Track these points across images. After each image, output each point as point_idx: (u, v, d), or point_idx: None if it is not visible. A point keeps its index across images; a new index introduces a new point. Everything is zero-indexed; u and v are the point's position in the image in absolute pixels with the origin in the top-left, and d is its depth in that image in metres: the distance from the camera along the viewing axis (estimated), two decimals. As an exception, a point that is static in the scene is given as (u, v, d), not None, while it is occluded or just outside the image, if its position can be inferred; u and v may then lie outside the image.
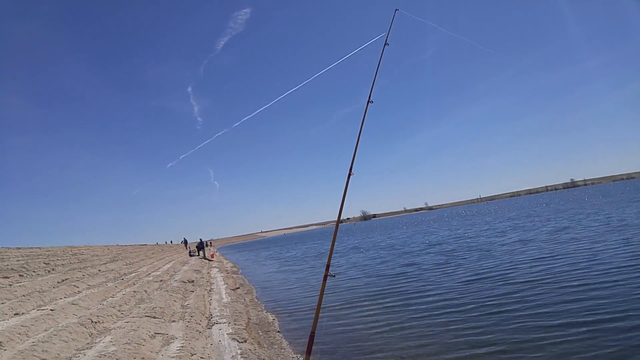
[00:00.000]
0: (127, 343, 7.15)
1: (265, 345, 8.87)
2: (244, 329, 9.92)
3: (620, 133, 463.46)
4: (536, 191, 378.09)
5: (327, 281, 5.19)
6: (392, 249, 27.74)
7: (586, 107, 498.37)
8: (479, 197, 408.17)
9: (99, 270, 16.72)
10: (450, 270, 15.12)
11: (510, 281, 11.73)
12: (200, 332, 9.19)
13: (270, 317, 11.93)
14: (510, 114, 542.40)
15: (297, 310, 12.55)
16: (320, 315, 4.80)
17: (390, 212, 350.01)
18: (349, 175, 5.53)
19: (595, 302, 8.52)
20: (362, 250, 30.80)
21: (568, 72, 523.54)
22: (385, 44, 6.76)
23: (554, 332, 7.17)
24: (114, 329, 8.44)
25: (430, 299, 11.10)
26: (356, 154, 5.73)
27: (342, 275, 17.16)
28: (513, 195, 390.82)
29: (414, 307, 10.42)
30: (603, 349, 6.20)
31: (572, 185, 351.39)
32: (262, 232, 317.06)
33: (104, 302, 10.87)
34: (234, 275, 24.27)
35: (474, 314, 9.00)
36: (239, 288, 17.77)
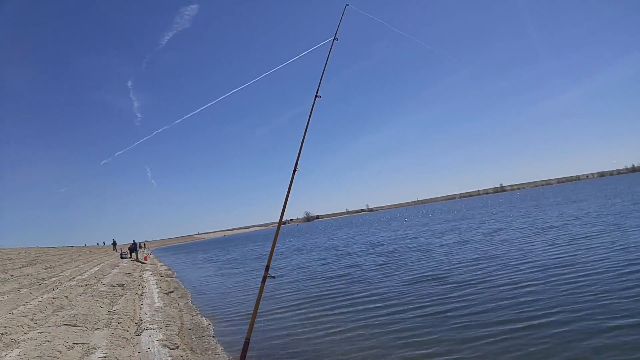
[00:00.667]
0: (38, 357, 6.31)
1: (198, 352, 8.33)
2: (176, 334, 9.27)
3: (546, 142, 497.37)
4: (469, 195, 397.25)
5: (266, 284, 4.79)
6: (334, 250, 27.66)
7: (513, 118, 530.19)
8: (416, 199, 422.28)
9: (12, 276, 15.16)
10: (392, 271, 15.12)
11: (450, 281, 11.82)
12: (127, 340, 8.44)
13: (205, 322, 11.28)
14: (449, 120, 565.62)
15: (234, 315, 11.98)
16: (257, 320, 4.36)
17: (333, 214, 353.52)
18: (294, 170, 5.18)
19: (529, 300, 8.72)
20: (304, 251, 30.52)
21: (504, 82, 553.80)
22: (334, 38, 6.51)
23: (491, 331, 7.20)
24: (24, 340, 7.50)
25: (372, 300, 10.94)
26: (302, 150, 5.39)
27: (284, 277, 16.72)
28: (448, 198, 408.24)
29: (355, 310, 10.18)
30: (538, 346, 6.26)
31: (501, 189, 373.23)
32: (199, 233, 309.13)
33: (15, 311, 9.74)
34: (168, 279, 23.10)
35: (415, 316, 8.89)
36: (172, 292, 16.82)
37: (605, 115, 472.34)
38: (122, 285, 16.70)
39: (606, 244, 14.11)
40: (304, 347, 7.93)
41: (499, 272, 12.04)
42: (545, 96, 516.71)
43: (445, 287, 11.19)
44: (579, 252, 13.31)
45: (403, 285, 12.31)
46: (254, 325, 4.39)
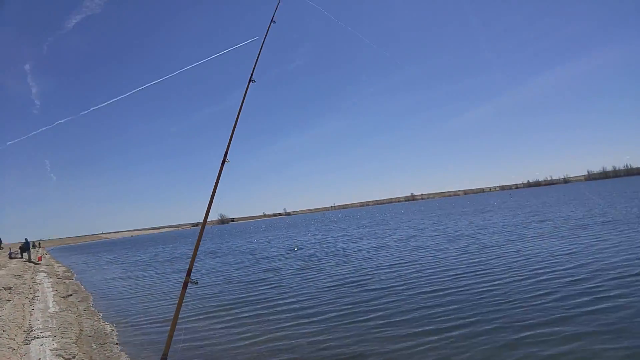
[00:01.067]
0: None
1: (99, 360, 7.48)
2: (73, 342, 8.28)
3: (455, 156, 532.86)
4: (382, 202, 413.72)
5: (186, 289, 4.29)
6: (251, 254, 26.98)
7: (426, 131, 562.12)
8: (333, 205, 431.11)
9: None
10: (311, 276, 14.93)
11: (370, 287, 11.80)
12: (14, 350, 7.38)
13: (109, 328, 10.26)
14: (365, 129, 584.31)
15: (141, 320, 11.04)
16: (176, 337, 3.81)
17: (249, 217, 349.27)
18: (223, 161, 4.70)
19: (447, 308, 8.83)
20: (219, 254, 29.47)
21: (417, 96, 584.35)
22: (272, 20, 6.09)
23: (410, 336, 7.19)
24: None
25: (293, 308, 10.56)
26: (232, 140, 4.93)
27: (198, 281, 15.77)
28: (363, 205, 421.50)
29: (275, 317, 9.75)
30: (459, 355, 6.28)
31: (412, 198, 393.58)
32: (103, 233, 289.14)
33: None
34: (67, 281, 21.01)
35: (335, 323, 8.64)
36: (71, 295, 15.25)
37: (509, 133, 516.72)
38: (10, 288, 14.80)
39: (512, 252, 15.08)
40: (221, 357, 7.39)
41: (417, 278, 12.27)
42: (457, 112, 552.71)
43: (365, 293, 11.13)
44: (490, 260, 14.01)
45: (323, 290, 12.10)
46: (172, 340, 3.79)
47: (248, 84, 5.14)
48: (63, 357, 7.11)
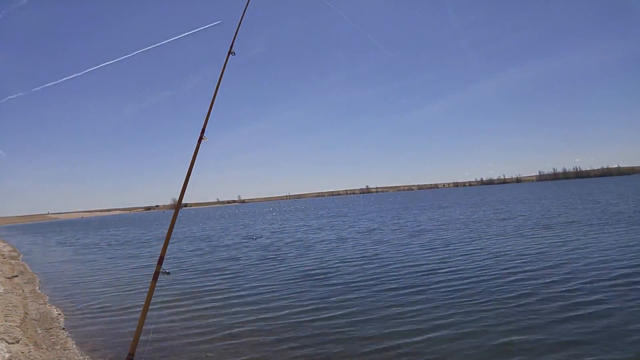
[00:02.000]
0: None
1: (44, 346, 7.03)
2: (17, 326, 7.73)
3: (410, 151, 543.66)
4: (337, 193, 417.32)
5: (151, 280, 3.91)
6: (207, 241, 26.27)
7: (383, 124, 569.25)
8: (288, 194, 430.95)
9: None
10: (273, 267, 14.55)
11: (333, 282, 11.54)
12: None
13: (55, 312, 9.65)
14: (322, 120, 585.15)
15: (89, 306, 10.37)
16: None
17: (203, 203, 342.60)
18: (200, 138, 4.35)
19: (417, 307, 8.68)
20: (174, 240, 28.56)
21: (375, 89, 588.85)
22: None
23: (381, 341, 6.88)
24: None
25: (253, 299, 10.19)
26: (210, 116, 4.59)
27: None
28: (318, 195, 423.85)
29: (235, 310, 9.28)
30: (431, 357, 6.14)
31: (367, 191, 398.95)
32: (51, 213, 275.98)
33: None
34: (12, 261, 19.75)
35: (300, 319, 8.29)
36: (16, 276, 14.32)
37: (461, 131, 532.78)
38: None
39: (477, 250, 15.23)
40: (181, 353, 6.87)
41: (382, 274, 12.06)
42: (412, 107, 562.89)
43: (329, 288, 10.81)
44: (456, 257, 14.07)
45: (286, 283, 11.73)
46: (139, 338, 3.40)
47: (227, 57, 4.81)
48: (6, 342, 6.60)
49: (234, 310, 9.31)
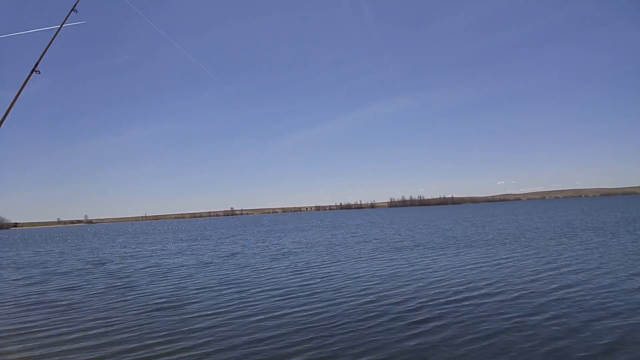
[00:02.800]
0: None
1: None
2: None
3: (274, 174, 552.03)
4: (200, 215, 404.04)
5: None
6: (40, 267, 22.68)
7: (253, 146, 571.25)
8: (144, 215, 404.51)
9: None
10: (120, 295, 12.99)
11: (189, 309, 10.66)
12: None
13: None
14: (187, 137, 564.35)
15: None
16: None
17: (40, 223, 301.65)
18: (33, 70, 3.54)
19: (276, 333, 8.37)
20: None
21: (244, 111, 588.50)
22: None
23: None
24: None
25: (93, 334, 8.80)
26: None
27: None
28: (178, 216, 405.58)
29: (64, 349, 7.88)
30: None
31: (232, 213, 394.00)
32: None
33: None
34: None
35: (142, 357, 7.34)
36: None
37: (323, 158, 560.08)
38: None
39: (336, 272, 15.52)
40: None
41: (242, 299, 11.55)
42: (280, 132, 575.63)
43: (185, 317, 9.92)
44: (315, 279, 14.13)
45: (134, 314, 10.41)
46: None
47: (69, 13, 4.02)
48: None
49: (60, 350, 7.83)
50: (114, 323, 9.62)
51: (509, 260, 16.19)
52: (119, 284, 15.38)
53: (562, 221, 38.96)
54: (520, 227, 34.62)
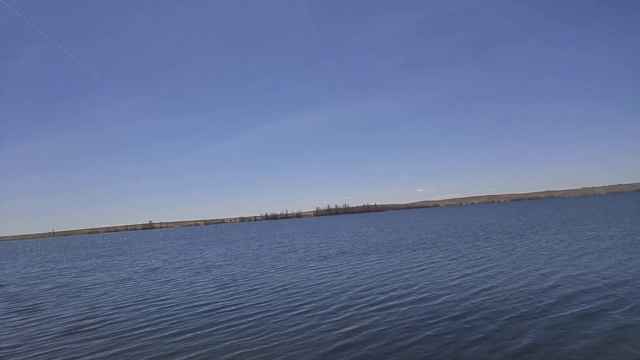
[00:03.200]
0: None
1: None
2: None
3: (199, 187, 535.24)
4: (115, 229, 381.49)
5: None
6: None
7: (171, 157, 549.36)
8: (52, 230, 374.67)
9: None
10: (24, 319, 11.65)
11: (102, 333, 9.75)
12: None
13: None
14: (100, 148, 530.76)
15: None
16: None
17: None
18: None
19: (202, 352, 7.95)
20: None
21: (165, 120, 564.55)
22: None
23: None
24: None
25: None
26: None
27: None
28: (91, 232, 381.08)
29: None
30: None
31: (151, 226, 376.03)
32: None
33: None
34: None
35: None
36: None
37: (248, 168, 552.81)
38: None
39: (263, 284, 15.09)
40: None
41: (164, 317, 10.83)
42: (202, 143, 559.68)
43: (97, 341, 9.06)
44: (241, 293, 13.63)
45: (38, 342, 9.33)
46: None
47: None
48: None
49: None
50: (12, 353, 8.54)
51: (430, 264, 16.80)
52: (20, 307, 13.79)
53: (477, 226, 41.43)
54: (439, 232, 36.31)
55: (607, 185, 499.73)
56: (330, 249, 27.31)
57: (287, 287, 14.06)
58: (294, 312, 10.39)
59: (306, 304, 11.25)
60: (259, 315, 10.30)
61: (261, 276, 17.05)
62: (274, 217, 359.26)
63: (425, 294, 11.35)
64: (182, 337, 8.88)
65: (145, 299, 13.61)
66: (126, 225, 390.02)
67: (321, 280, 14.79)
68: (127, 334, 9.41)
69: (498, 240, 24.78)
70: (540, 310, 8.89)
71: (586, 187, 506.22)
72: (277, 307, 11.07)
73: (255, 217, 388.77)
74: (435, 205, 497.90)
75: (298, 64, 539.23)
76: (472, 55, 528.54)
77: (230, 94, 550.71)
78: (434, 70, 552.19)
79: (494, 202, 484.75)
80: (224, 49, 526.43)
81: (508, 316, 8.65)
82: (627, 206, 60.89)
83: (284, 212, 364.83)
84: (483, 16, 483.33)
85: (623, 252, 16.06)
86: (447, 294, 11.12)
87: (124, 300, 13.65)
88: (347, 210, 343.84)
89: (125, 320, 10.75)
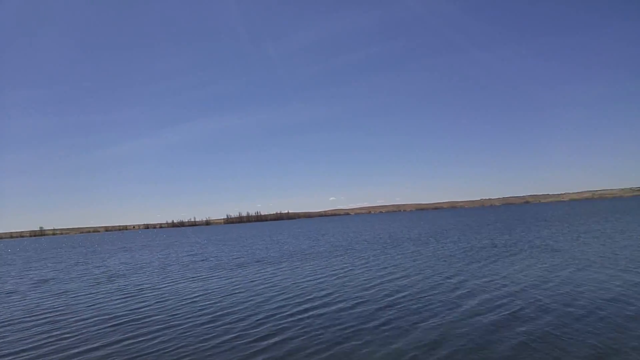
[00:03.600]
0: None
1: None
2: None
3: (95, 190, 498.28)
4: (0, 237, 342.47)
5: None
6: None
7: (64, 158, 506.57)
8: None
9: None
10: None
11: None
12: None
13: None
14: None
15: None
16: None
17: None
18: None
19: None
20: None
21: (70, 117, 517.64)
22: None
23: None
24: None
25: None
26: None
27: None
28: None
29: None
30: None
31: (42, 233, 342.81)
32: None
33: None
34: None
35: None
36: None
37: (153, 175, 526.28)
38: None
39: (170, 294, 14.40)
40: None
41: (58, 333, 9.90)
42: (100, 145, 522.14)
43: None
44: (148, 304, 12.84)
45: None
46: None
47: None
48: None
49: None
50: None
51: (343, 270, 17.19)
52: None
53: (385, 233, 43.23)
54: (350, 239, 37.33)
55: (501, 197, 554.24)
56: (242, 257, 26.75)
57: (198, 296, 13.54)
58: (203, 320, 10.07)
59: (219, 314, 10.83)
60: (166, 326, 9.79)
61: (169, 285, 16.24)
62: (182, 225, 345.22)
63: (340, 299, 11.56)
64: (75, 350, 8.18)
65: (34, 314, 12.31)
66: (11, 233, 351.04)
67: (234, 290, 14.38)
68: (6, 353, 8.38)
69: (405, 247, 26.07)
70: (443, 310, 9.47)
71: (484, 198, 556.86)
72: (186, 317, 10.61)
73: (160, 224, 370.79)
74: (346, 213, 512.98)
75: (213, 66, 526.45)
76: (388, 66, 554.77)
77: (138, 91, 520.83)
78: (349, 80, 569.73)
79: (400, 211, 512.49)
80: (137, 44, 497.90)
81: (418, 315, 9.10)
82: (518, 215, 67.54)
83: (192, 220, 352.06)
84: (402, 29, 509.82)
85: (514, 257, 17.73)
86: (361, 300, 11.39)
87: (7, 319, 12.10)
88: (259, 218, 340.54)
89: (12, 342, 9.50)
